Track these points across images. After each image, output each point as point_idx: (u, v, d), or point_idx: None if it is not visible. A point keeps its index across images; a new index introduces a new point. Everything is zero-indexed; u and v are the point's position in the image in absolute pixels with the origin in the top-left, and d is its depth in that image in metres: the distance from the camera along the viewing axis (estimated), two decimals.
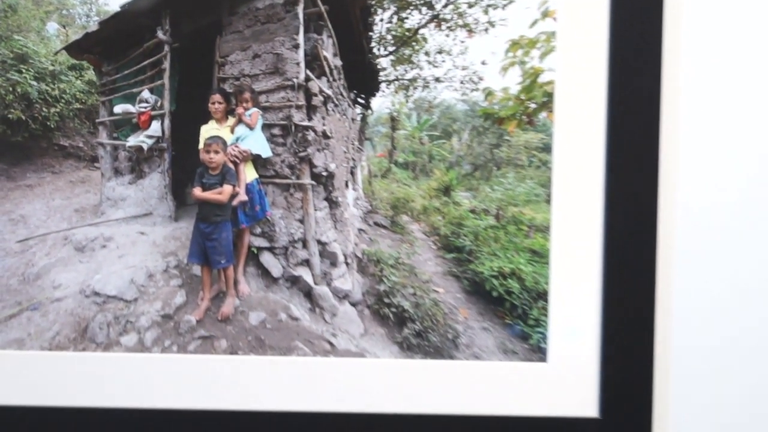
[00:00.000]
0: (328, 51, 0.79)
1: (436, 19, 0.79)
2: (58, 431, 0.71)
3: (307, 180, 0.80)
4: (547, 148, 0.77)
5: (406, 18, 0.78)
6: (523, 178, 0.79)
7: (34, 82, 0.76)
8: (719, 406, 0.77)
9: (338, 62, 0.79)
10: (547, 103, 0.77)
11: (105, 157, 0.80)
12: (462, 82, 0.75)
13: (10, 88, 0.74)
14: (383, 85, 0.80)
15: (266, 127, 0.77)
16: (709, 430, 0.75)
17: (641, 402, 0.75)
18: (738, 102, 0.79)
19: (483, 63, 0.79)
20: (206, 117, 0.76)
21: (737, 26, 0.78)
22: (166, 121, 0.76)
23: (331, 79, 0.80)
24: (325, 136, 0.78)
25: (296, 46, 0.81)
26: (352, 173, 0.83)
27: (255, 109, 0.79)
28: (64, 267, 0.77)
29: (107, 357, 0.74)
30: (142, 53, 0.79)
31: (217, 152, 0.80)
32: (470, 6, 0.79)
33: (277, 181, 0.76)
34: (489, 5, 0.77)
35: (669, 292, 0.75)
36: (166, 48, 0.75)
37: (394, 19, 0.78)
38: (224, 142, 0.81)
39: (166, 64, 0.77)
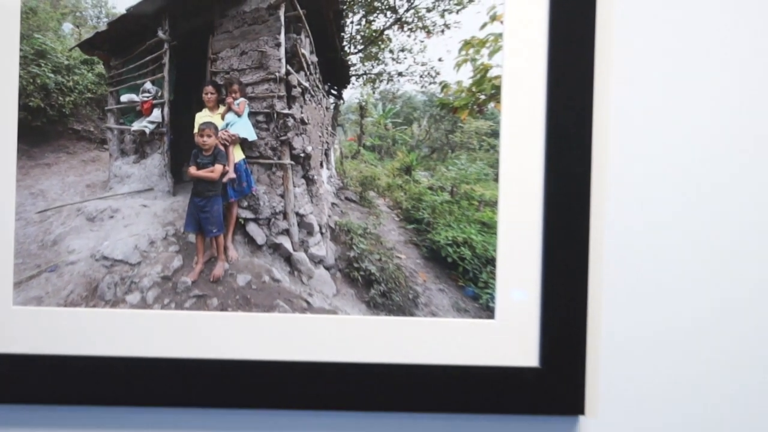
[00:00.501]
0: (306, 49, 0.83)
1: (399, 22, 0.84)
2: (72, 376, 0.78)
3: (287, 160, 0.83)
4: (495, 134, 0.75)
5: (373, 21, 0.76)
6: (474, 159, 0.86)
7: (51, 75, 0.82)
8: (647, 356, 0.84)
9: (314, 59, 0.85)
10: (494, 95, 0.83)
11: (112, 140, 0.86)
12: (421, 77, 0.76)
13: (31, 80, 0.81)
14: (353, 79, 0.76)
15: (252, 114, 0.79)
16: (637, 377, 0.83)
17: (575, 353, 0.82)
18: (666, 87, 0.86)
19: (440, 60, 0.84)
20: (200, 105, 0.78)
21: (668, 21, 0.85)
22: (166, 109, 0.79)
23: (308, 73, 0.85)
24: (302, 122, 0.79)
25: (278, 45, 0.85)
26: (326, 155, 0.86)
27: (242, 99, 0.80)
28: (77, 235, 0.84)
29: (114, 312, 0.81)
30: (144, 50, 0.82)
31: (209, 136, 0.87)
32: (428, 11, 0.84)
33: (261, 161, 0.78)
34: (445, 10, 0.83)
35: (600, 260, 0.82)
36: (166, 46, 0.78)
37: (363, 22, 0.84)
38: (216, 127, 0.87)
39: (166, 60, 0.77)
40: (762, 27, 0.84)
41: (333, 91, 0.78)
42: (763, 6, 0.84)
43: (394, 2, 0.78)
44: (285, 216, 0.77)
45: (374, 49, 0.78)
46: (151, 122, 0.79)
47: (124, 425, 0.77)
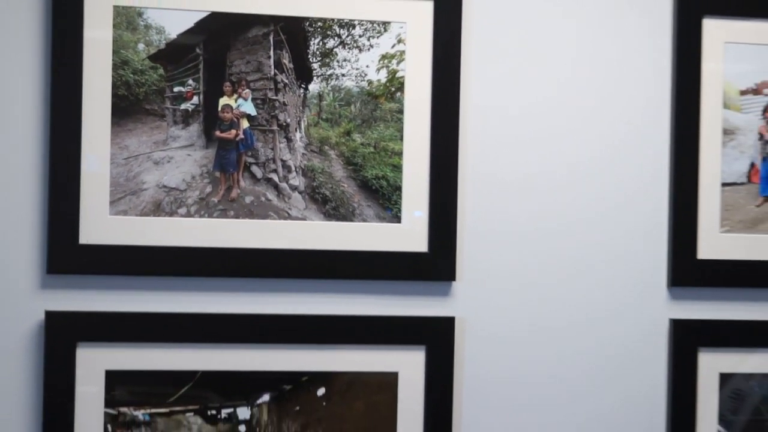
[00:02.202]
0: (286, 59, 1.10)
1: (342, 43, 1.10)
2: (146, 257, 1.10)
3: (275, 127, 1.08)
4: (400, 111, 1.13)
5: (326, 42, 1.10)
6: (389, 127, 1.10)
7: (131, 75, 1.15)
8: (500, 244, 1.19)
9: (291, 65, 1.09)
10: (400, 88, 1.12)
11: (168, 115, 1.11)
12: (356, 77, 1.11)
13: (119, 78, 1.17)
14: (315, 78, 1.11)
15: (253, 99, 1.12)
16: (491, 256, 1.18)
17: (449, 243, 1.25)
18: (507, 84, 1.20)
19: (367, 66, 1.12)
20: (221, 94, 1.12)
21: (516, 38, 1.19)
22: (201, 96, 1.12)
23: (287, 74, 1.11)
24: (284, 104, 1.11)
25: (269, 57, 1.09)
26: (299, 124, 1.12)
27: (248, 90, 1.11)
28: (148, 173, 1.19)
29: (171, 220, 1.18)
30: (188, 59, 1.10)
31: (227, 113, 1.23)
32: (360, 36, 1.08)
33: (259, 127, 1.11)
34: (370, 36, 1.09)
35: (464, 191, 1.18)
36: (201, 57, 1.11)
37: (320, 43, 1.10)
38: (231, 108, 1.09)
39: (201, 66, 1.11)
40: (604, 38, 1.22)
41: (302, 86, 1.14)
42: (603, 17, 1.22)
43: (339, 31, 1.15)
44: (274, 161, 1.14)
45: (327, 60, 1.15)
46: (192, 104, 1.14)
47: (176, 288, 1.18)
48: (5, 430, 1.09)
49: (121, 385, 1.11)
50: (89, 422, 1.10)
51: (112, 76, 1.11)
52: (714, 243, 1.20)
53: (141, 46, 1.13)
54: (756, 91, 1.20)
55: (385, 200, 1.17)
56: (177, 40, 1.13)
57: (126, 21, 1.12)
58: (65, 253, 1.09)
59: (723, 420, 1.23)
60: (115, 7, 1.12)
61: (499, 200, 1.21)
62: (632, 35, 1.22)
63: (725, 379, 1.20)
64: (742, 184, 1.21)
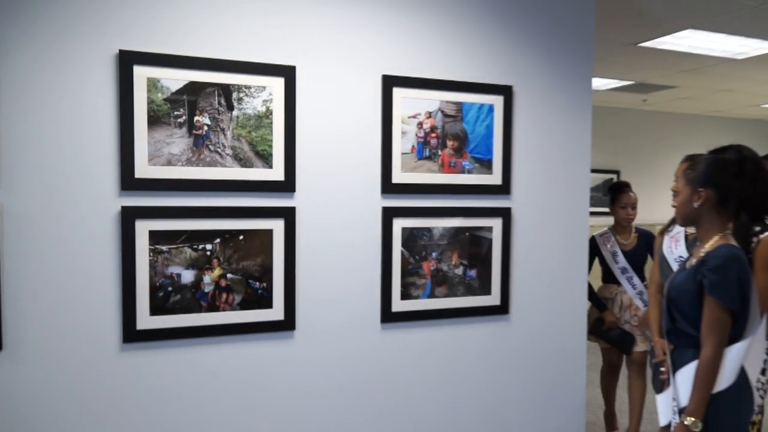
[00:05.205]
0: (222, 101, 2.65)
1: (245, 94, 2.62)
2: (168, 185, 2.45)
3: (218, 129, 2.47)
4: (271, 123, 2.51)
5: (239, 94, 2.28)
6: (266, 130, 2.29)
7: (155, 106, 2.76)
8: None
9: (224, 103, 2.24)
10: (271, 114, 2.57)
11: (173, 123, 2.60)
12: (251, 109, 2.24)
13: (150, 105, 2.75)
14: (235, 108, 2.24)
15: (209, 117, 2.64)
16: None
17: (292, 176, 2.96)
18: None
19: (256, 104, 2.39)
20: (195, 115, 2.75)
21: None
22: (186, 116, 2.30)
23: (222, 107, 2.24)
24: (221, 120, 2.17)
25: (215, 100, 2.40)
26: (228, 127, 2.54)
27: (206, 113, 2.58)
28: (165, 148, 2.79)
29: (175, 168, 2.79)
30: (180, 100, 2.60)
31: (198, 123, 2.81)
32: (253, 91, 2.73)
33: (212, 129, 2.58)
34: (256, 92, 2.77)
35: (298, 154, 2.96)
36: (185, 99, 2.23)
37: (236, 94, 2.45)
38: (200, 120, 2.78)
39: (186, 103, 2.59)
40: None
41: (230, 112, 2.69)
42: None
43: (244, 90, 2.83)
44: (218, 143, 2.83)
45: (239, 101, 2.66)
46: (183, 119, 2.76)
47: (181, 195, 2.74)
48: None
49: (155, 235, 2.69)
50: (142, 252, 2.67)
51: (147, 106, 2.64)
52: (401, 178, 3.00)
53: (159, 94, 2.69)
54: (413, 117, 3.00)
55: (266, 160, 2.80)
56: (175, 92, 2.65)
57: (152, 84, 2.68)
58: (130, 180, 2.61)
59: None
60: (147, 78, 2.67)
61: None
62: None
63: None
64: (408, 153, 3.00)
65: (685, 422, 1.90)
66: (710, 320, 1.90)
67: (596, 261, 3.75)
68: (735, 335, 1.93)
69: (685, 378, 1.93)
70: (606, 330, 3.55)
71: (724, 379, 1.90)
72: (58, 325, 2.16)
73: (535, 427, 2.90)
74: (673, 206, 2.11)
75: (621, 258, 3.55)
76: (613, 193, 3.68)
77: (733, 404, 1.90)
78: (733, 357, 1.90)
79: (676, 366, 2.00)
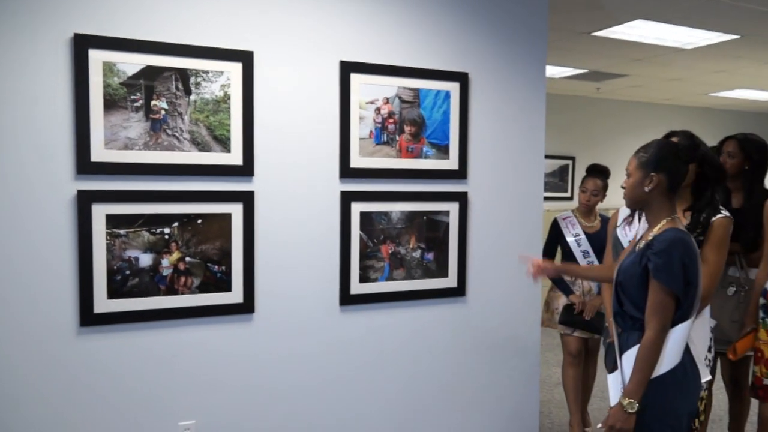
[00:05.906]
0: (179, 85, 2.64)
1: (203, 79, 2.63)
2: (123, 168, 2.72)
3: (176, 113, 2.70)
4: (229, 108, 2.65)
5: (197, 78, 2.36)
6: (225, 114, 2.48)
7: (112, 90, 2.75)
8: None
9: (182, 87, 2.36)
10: (228, 98, 2.71)
11: (129, 108, 2.74)
12: (210, 93, 2.27)
13: (107, 89, 2.73)
14: (192, 93, 2.23)
15: (166, 102, 2.61)
16: None
17: (251, 160, 2.99)
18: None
19: (214, 88, 2.52)
20: (152, 99, 2.60)
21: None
22: (143, 100, 2.35)
23: (180, 91, 2.34)
24: (179, 104, 2.23)
25: (172, 84, 2.45)
26: (186, 111, 2.60)
27: (163, 97, 2.45)
28: (122, 132, 2.77)
29: (131, 152, 2.79)
30: (137, 84, 2.70)
31: (155, 107, 2.80)
32: (211, 76, 2.73)
33: (169, 114, 2.64)
34: (214, 76, 2.76)
35: (256, 139, 3.05)
36: (142, 84, 2.41)
37: (194, 78, 2.59)
38: (158, 105, 2.73)
39: (143, 87, 2.66)
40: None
41: (187, 96, 2.76)
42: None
43: (202, 74, 2.83)
44: (176, 127, 2.83)
45: (197, 85, 2.71)
46: (139, 103, 2.74)
47: (136, 178, 2.75)
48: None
49: (112, 219, 2.69)
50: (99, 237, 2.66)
51: (103, 90, 2.63)
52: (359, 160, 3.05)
53: (115, 78, 2.68)
54: (371, 102, 3.04)
55: (224, 144, 2.81)
56: (131, 76, 2.63)
57: (108, 68, 2.66)
58: (86, 164, 2.60)
59: None
60: (103, 62, 2.65)
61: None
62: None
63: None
64: (366, 138, 3.05)
65: (623, 402, 1.92)
66: (654, 303, 1.93)
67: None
68: (679, 318, 1.95)
69: (630, 360, 2.01)
70: (578, 313, 3.58)
71: (669, 360, 1.94)
72: (14, 309, 2.15)
73: (493, 402, 3.00)
74: (623, 187, 2.18)
75: (584, 240, 3.62)
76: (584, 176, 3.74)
77: (679, 384, 1.95)
78: (676, 338, 1.94)
79: (623, 349, 2.08)
